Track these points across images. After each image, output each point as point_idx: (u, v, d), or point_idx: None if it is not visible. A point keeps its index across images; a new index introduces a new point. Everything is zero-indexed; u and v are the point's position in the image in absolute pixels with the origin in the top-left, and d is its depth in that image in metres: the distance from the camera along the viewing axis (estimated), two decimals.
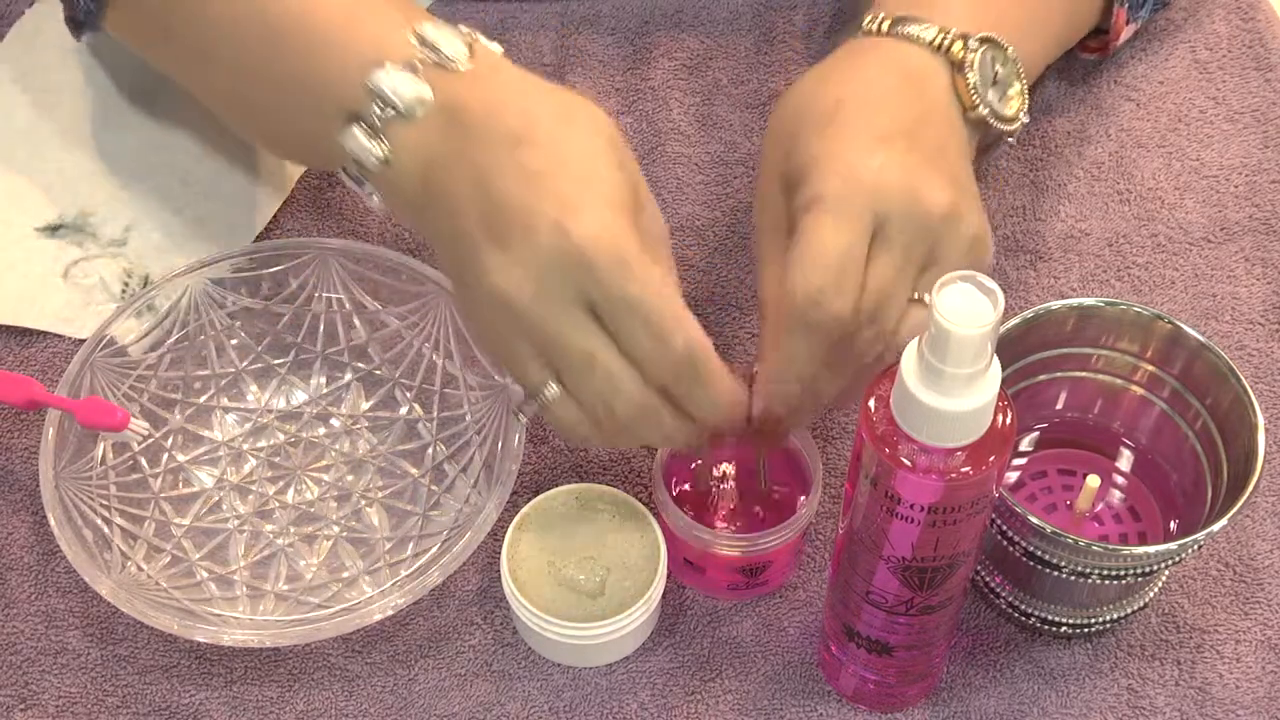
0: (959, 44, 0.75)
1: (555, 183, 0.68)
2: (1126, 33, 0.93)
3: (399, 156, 0.71)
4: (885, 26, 0.77)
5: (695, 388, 0.69)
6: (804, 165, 0.72)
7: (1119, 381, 0.78)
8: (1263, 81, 0.96)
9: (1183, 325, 0.75)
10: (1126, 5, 0.91)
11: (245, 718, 0.76)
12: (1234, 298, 0.88)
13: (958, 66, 0.75)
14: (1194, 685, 0.77)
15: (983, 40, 0.76)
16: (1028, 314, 0.75)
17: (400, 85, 0.70)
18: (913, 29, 0.76)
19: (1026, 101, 0.78)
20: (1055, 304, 0.76)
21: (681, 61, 0.97)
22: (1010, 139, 0.78)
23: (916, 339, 0.60)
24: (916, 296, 0.71)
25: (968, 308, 0.58)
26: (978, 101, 0.75)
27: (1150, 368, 0.77)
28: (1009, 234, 0.90)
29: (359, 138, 0.71)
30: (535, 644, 0.78)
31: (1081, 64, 0.96)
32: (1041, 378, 0.78)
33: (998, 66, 0.76)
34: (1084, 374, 0.78)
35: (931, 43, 0.75)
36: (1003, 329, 0.73)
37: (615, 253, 0.67)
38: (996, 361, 0.60)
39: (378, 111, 0.70)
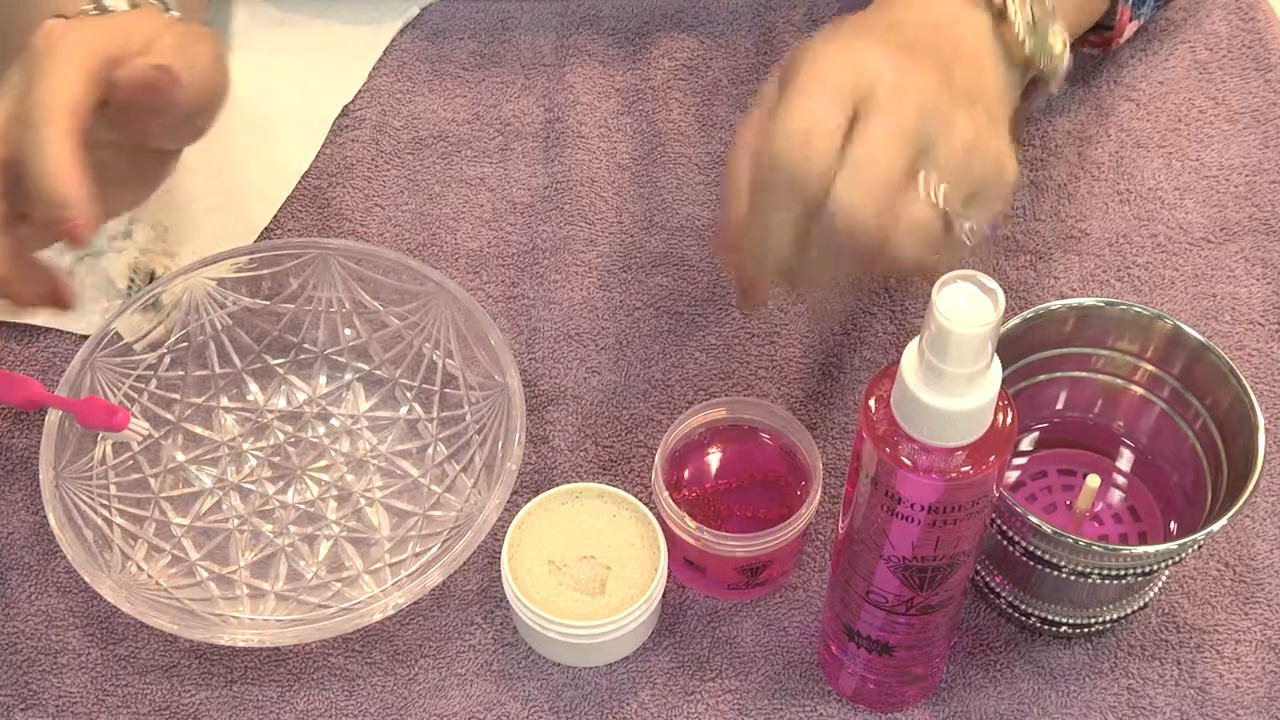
0: None
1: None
2: (1130, 29, 0.93)
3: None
4: None
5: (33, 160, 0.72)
6: (793, 61, 0.71)
7: (1119, 381, 0.78)
8: (1263, 81, 0.96)
9: (1183, 325, 0.75)
10: (1130, 2, 0.91)
11: (245, 718, 0.76)
12: (1234, 298, 0.88)
13: (999, 13, 0.74)
14: (1194, 685, 0.77)
15: None
16: (1028, 314, 0.75)
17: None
18: None
19: (1067, 41, 0.76)
20: (1055, 304, 0.76)
21: (681, 61, 0.97)
22: (1053, 88, 0.77)
23: (916, 339, 0.60)
24: (924, 195, 0.69)
25: (968, 307, 0.58)
26: (1023, 37, 0.74)
27: (1150, 368, 0.77)
28: (1009, 234, 0.90)
29: None
30: (535, 644, 0.78)
31: (1082, 63, 0.96)
32: (1041, 378, 0.78)
33: (1034, 10, 0.75)
34: (1084, 374, 0.78)
35: None
36: (1003, 329, 0.73)
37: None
38: (997, 361, 0.60)
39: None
